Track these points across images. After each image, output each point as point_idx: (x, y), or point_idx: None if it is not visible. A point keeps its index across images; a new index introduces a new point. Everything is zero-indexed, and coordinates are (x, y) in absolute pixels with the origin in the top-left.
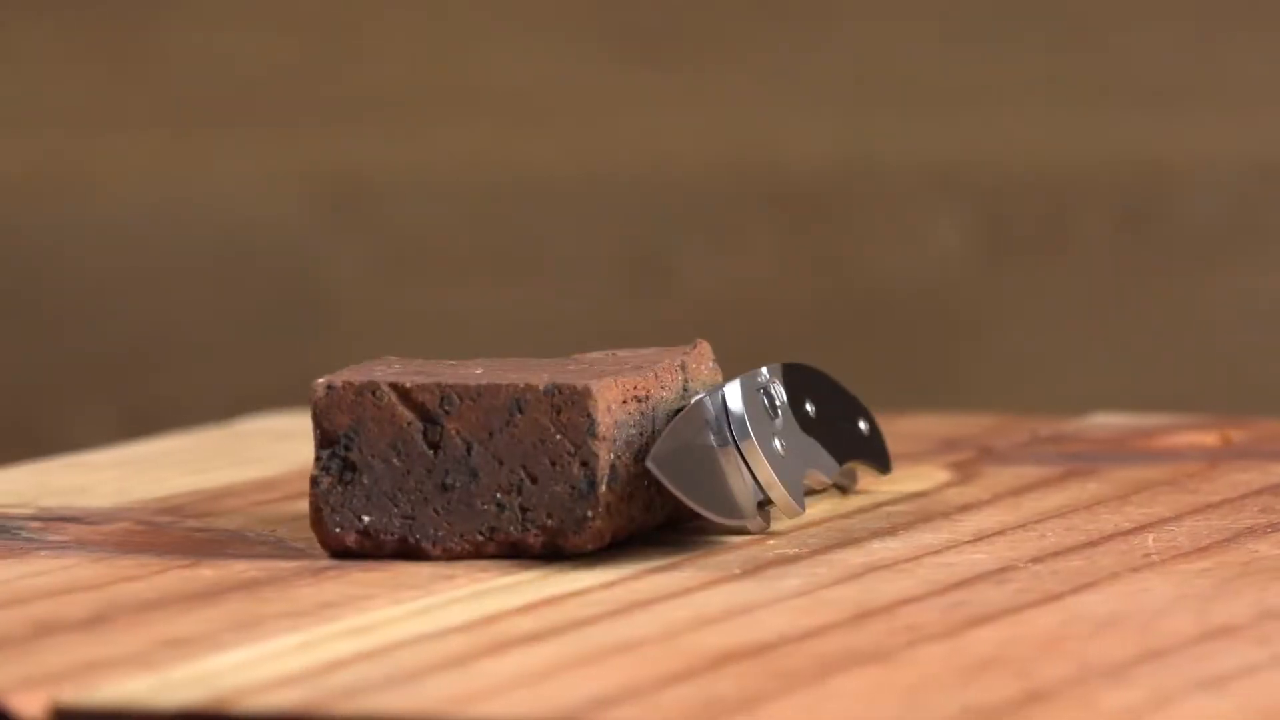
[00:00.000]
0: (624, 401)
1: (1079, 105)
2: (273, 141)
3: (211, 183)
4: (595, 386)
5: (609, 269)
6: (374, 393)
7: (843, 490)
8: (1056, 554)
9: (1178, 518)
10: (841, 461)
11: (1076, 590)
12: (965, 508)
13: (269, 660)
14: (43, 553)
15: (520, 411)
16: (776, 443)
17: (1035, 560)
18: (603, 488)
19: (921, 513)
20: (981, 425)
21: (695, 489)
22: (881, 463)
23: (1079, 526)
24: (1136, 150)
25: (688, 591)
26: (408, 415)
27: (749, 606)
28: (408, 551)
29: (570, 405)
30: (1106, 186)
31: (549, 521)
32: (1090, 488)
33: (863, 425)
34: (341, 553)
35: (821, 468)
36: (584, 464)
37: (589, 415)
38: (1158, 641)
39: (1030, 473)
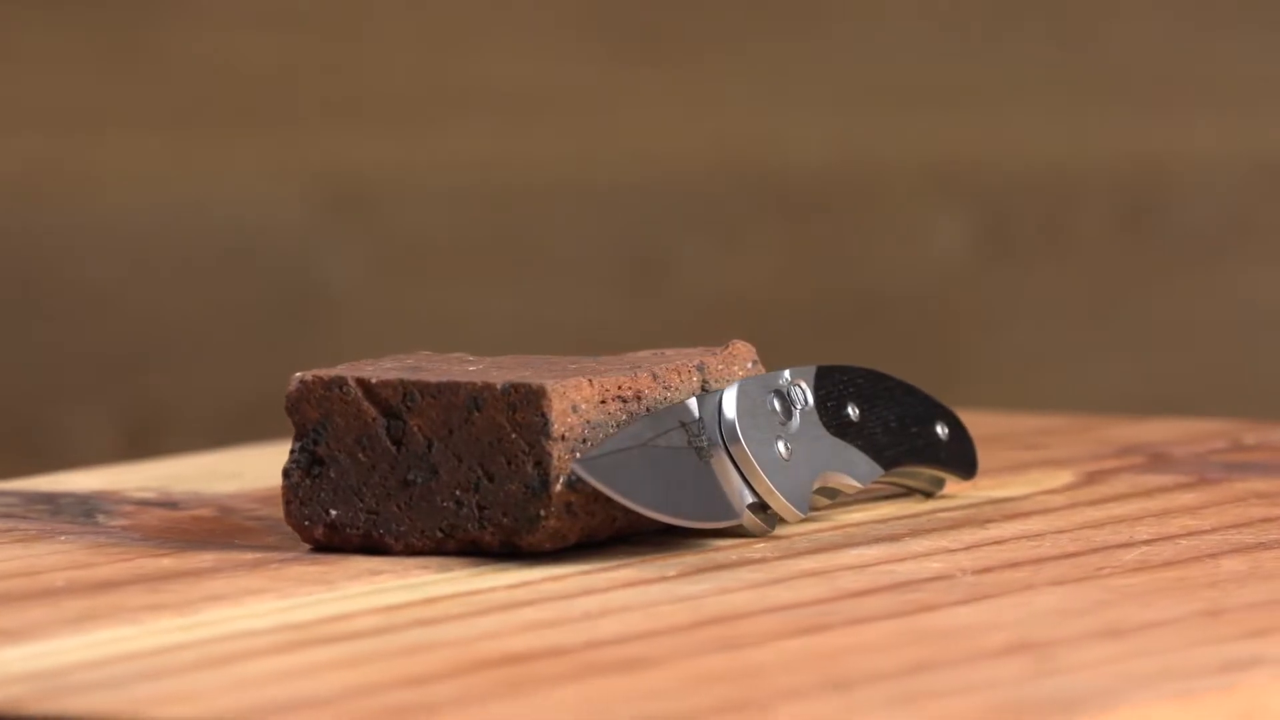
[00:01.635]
0: (602, 401)
1: (1079, 105)
2: (273, 141)
3: (212, 183)
4: (551, 386)
5: (609, 269)
6: (341, 388)
7: (927, 495)
8: (1015, 564)
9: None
10: (890, 466)
11: (963, 602)
12: (1023, 515)
13: (46, 656)
14: (62, 537)
15: (478, 410)
16: (780, 446)
17: (986, 570)
18: (557, 487)
19: (964, 518)
20: (1202, 430)
21: (652, 491)
22: (961, 467)
23: (1090, 537)
24: (1136, 150)
25: (587, 593)
26: (372, 411)
27: (614, 609)
28: (372, 546)
29: (525, 404)
30: (1106, 186)
31: (504, 520)
32: (1183, 498)
33: (940, 429)
34: (321, 545)
35: (852, 472)
36: (538, 463)
37: (543, 415)
38: (938, 655)
39: (1155, 481)
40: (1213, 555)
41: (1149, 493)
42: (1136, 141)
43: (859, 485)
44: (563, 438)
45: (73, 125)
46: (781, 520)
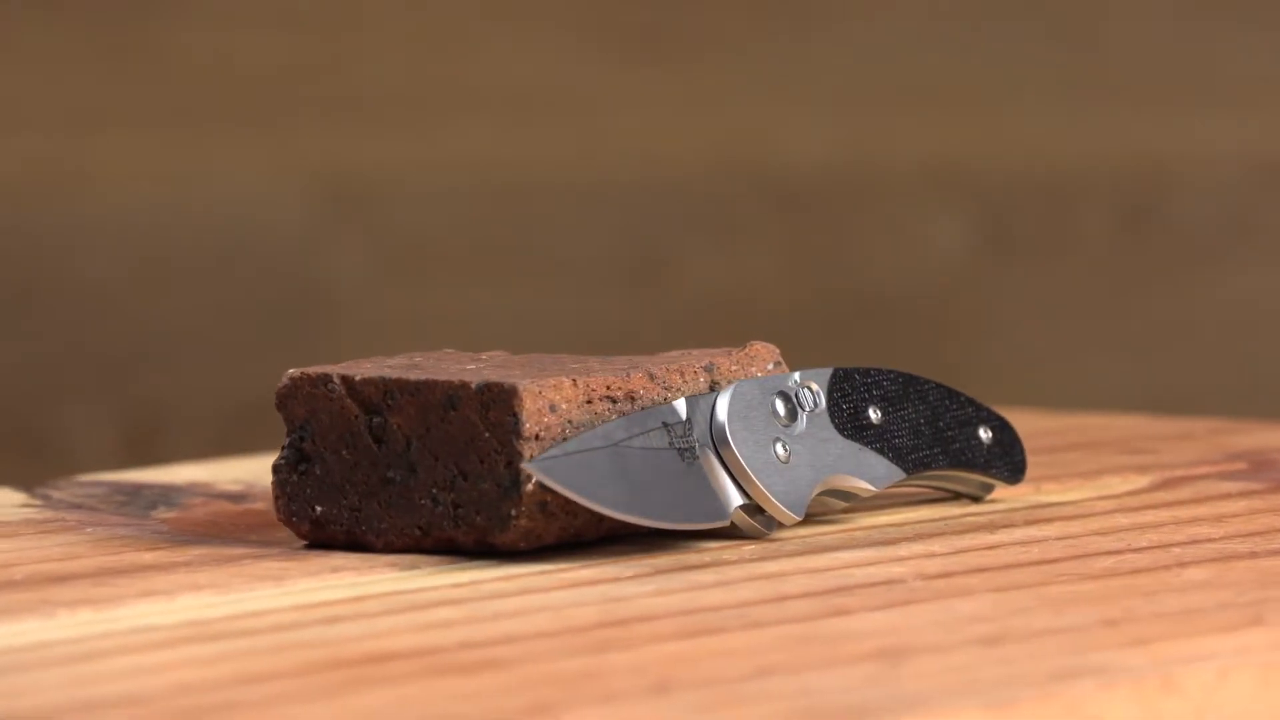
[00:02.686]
0: (588, 401)
1: (1079, 105)
2: (273, 141)
3: (211, 183)
4: (524, 386)
5: (609, 269)
6: (326, 385)
7: (974, 499)
8: (978, 570)
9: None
10: (916, 470)
11: (881, 608)
12: (1047, 520)
13: None
14: (90, 529)
15: (454, 408)
16: (778, 448)
17: (944, 575)
18: (529, 487)
19: (984, 523)
20: None
21: (621, 491)
22: (1005, 472)
23: (1085, 544)
24: (1136, 150)
25: (524, 593)
26: (354, 409)
27: (529, 610)
28: (356, 543)
29: (497, 404)
30: (1106, 186)
31: (478, 519)
32: (1235, 505)
33: (983, 434)
34: (310, 541)
35: (868, 475)
36: (509, 463)
37: (514, 414)
38: (789, 662)
39: (1227, 488)
40: (1184, 565)
41: (1207, 499)
42: (1136, 141)
43: (873, 489)
44: (536, 437)
45: (73, 125)
46: (781, 523)
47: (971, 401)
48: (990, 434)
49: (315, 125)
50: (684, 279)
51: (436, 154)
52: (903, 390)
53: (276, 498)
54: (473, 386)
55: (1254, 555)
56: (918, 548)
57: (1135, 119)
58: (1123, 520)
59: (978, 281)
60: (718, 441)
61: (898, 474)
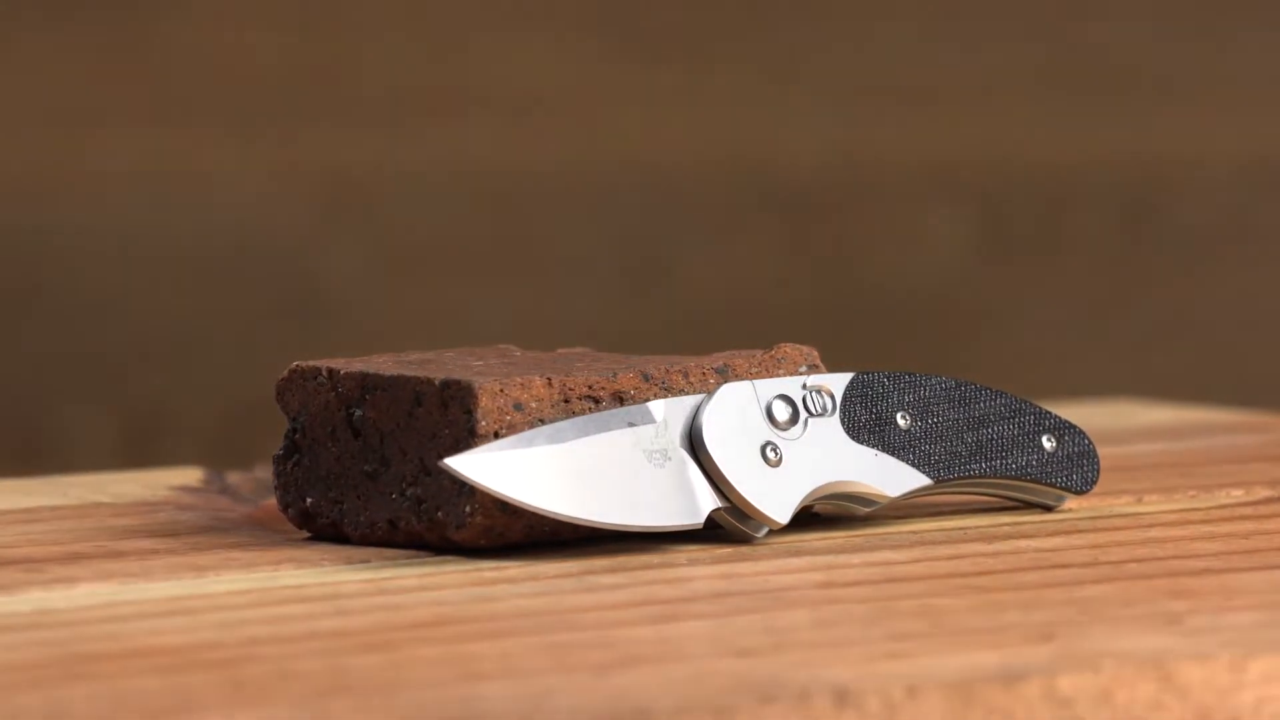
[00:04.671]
0: (565, 401)
1: (1078, 105)
2: (272, 141)
3: (212, 183)
4: (480, 384)
5: (609, 269)
6: (315, 378)
7: (1046, 508)
8: (917, 578)
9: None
10: (945, 477)
11: (758, 611)
12: (1078, 531)
13: None
14: (165, 514)
15: (419, 405)
16: (768, 452)
17: (889, 581)
18: None
19: (997, 534)
20: None
21: (562, 491)
22: (1070, 482)
23: (1069, 557)
24: (1136, 149)
25: (421, 589)
26: (337, 403)
27: (387, 607)
28: (337, 534)
29: (455, 401)
30: (1106, 186)
31: (438, 515)
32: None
33: (1047, 442)
34: (308, 532)
35: (883, 481)
36: None
37: (469, 412)
38: (571, 663)
39: None
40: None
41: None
42: (1136, 141)
43: (888, 495)
44: (496, 435)
45: (72, 125)
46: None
47: (1038, 411)
48: (1055, 443)
49: (315, 125)
50: (683, 279)
51: (436, 154)
52: (943, 396)
53: (275, 488)
54: (435, 383)
55: (1211, 571)
56: (885, 556)
57: (1135, 119)
58: (1154, 533)
59: (977, 281)
60: (695, 443)
61: (921, 481)
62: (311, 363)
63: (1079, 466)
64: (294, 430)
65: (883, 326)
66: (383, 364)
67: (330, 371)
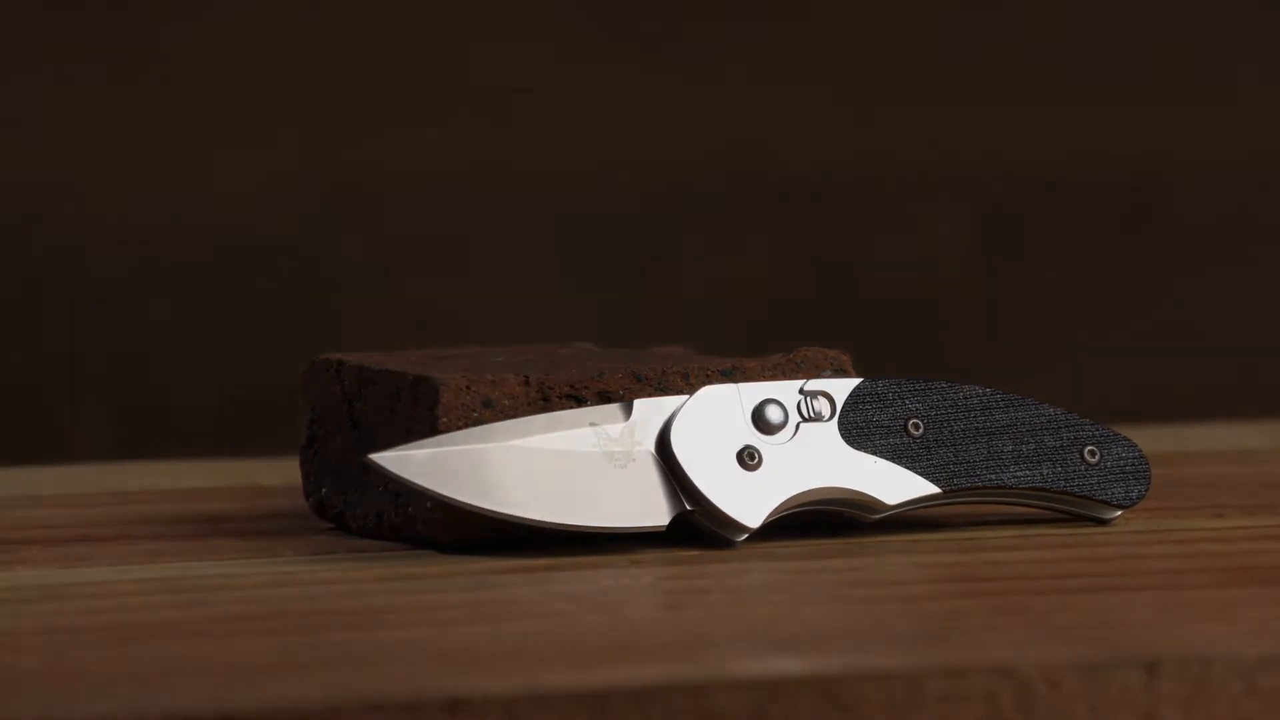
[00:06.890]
0: (544, 399)
1: (1079, 104)
2: (273, 141)
3: (211, 183)
4: (445, 381)
5: (609, 268)
6: (327, 371)
7: (1099, 521)
8: (852, 586)
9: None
10: (954, 485)
11: (599, 610)
12: (1074, 545)
13: None
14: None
15: (399, 400)
16: (745, 456)
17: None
18: None
19: (994, 544)
20: None
21: (504, 489)
22: (1112, 493)
23: (1047, 570)
24: (1136, 149)
25: (347, 581)
26: (342, 395)
27: (297, 598)
28: (343, 525)
29: (423, 397)
30: (1106, 186)
31: (409, 510)
32: None
33: (1089, 454)
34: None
35: (881, 488)
36: None
37: (430, 410)
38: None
39: None
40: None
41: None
42: (1136, 141)
43: (887, 503)
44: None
45: (73, 125)
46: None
47: (1082, 423)
48: (1099, 455)
49: (316, 125)
50: (683, 278)
51: (436, 154)
52: (965, 405)
53: (300, 477)
54: (409, 378)
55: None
56: (841, 563)
57: (1135, 118)
58: (1145, 549)
59: (977, 281)
60: (661, 446)
61: (928, 490)
62: (330, 356)
63: (1126, 479)
64: (313, 420)
65: (883, 325)
66: (393, 359)
67: (339, 364)
